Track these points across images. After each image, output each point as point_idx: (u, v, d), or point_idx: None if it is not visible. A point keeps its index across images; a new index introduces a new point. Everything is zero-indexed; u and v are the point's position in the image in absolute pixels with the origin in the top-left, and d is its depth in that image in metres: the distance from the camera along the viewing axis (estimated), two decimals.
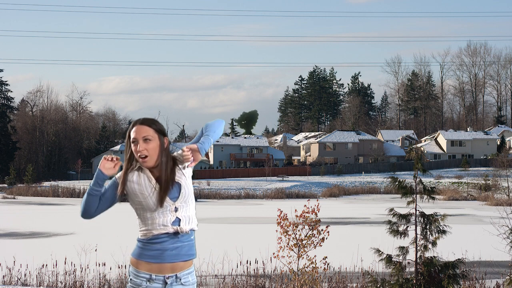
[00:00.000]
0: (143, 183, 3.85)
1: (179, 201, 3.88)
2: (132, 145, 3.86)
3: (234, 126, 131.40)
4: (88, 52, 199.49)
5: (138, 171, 3.89)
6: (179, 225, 3.86)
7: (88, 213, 3.87)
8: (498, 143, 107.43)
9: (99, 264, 13.14)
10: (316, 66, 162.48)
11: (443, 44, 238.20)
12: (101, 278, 12.64)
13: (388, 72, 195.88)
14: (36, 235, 26.99)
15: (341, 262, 15.11)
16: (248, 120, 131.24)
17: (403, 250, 9.81)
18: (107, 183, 3.92)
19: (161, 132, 3.91)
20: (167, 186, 3.83)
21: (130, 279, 3.92)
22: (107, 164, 3.85)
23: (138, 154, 3.83)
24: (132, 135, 3.86)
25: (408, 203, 10.00)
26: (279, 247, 10.68)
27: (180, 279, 3.91)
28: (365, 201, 60.08)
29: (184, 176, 3.92)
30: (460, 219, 35.51)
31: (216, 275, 13.85)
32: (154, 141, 3.85)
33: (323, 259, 10.61)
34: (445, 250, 13.53)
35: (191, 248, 3.93)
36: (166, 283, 3.88)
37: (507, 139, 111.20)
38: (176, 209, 3.86)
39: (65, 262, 13.60)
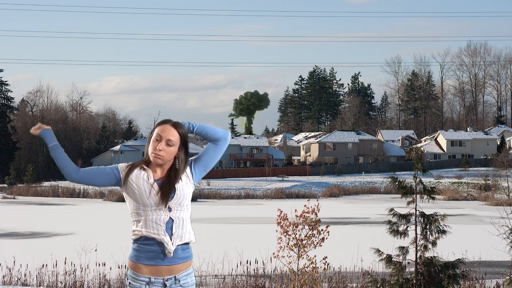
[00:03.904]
0: (141, 177, 3.94)
1: (174, 201, 3.93)
2: (154, 140, 3.95)
3: (234, 126, 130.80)
4: (88, 52, 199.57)
5: (140, 168, 3.99)
6: (171, 235, 3.89)
7: (66, 171, 3.98)
8: (498, 143, 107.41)
9: (99, 264, 13.13)
10: (316, 66, 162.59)
11: (443, 44, 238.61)
12: (101, 278, 12.64)
13: (388, 72, 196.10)
14: (36, 235, 26.98)
15: (341, 262, 15.10)
16: (255, 103, 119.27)
17: (403, 250, 9.81)
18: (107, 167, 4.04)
19: (184, 142, 3.98)
20: (169, 192, 3.91)
21: (129, 282, 3.95)
22: (33, 130, 4.05)
23: (155, 152, 3.93)
24: (159, 131, 3.95)
25: (408, 203, 9.99)
26: (279, 247, 10.68)
27: (179, 281, 3.95)
28: (365, 201, 60.05)
29: (181, 181, 3.97)
30: (460, 219, 35.50)
31: (216, 275, 13.85)
32: (175, 146, 3.95)
33: (323, 259, 10.61)
34: (445, 250, 13.52)
35: (185, 251, 3.97)
36: (165, 285, 3.92)
37: (507, 139, 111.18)
38: (170, 209, 3.91)
39: (65, 262, 13.59)
